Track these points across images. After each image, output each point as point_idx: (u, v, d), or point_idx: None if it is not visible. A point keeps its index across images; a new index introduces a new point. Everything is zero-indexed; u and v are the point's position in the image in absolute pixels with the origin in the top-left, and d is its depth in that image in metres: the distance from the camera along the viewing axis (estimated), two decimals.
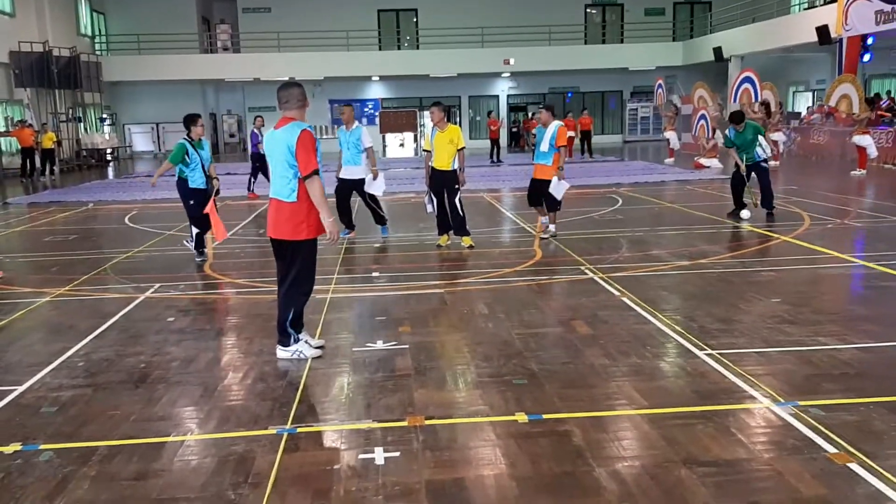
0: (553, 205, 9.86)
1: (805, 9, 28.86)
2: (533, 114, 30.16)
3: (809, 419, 4.03)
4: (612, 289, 7.14)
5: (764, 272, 7.73)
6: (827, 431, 3.87)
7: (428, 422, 4.20)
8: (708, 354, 5.17)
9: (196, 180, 8.97)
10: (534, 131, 9.90)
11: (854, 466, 3.49)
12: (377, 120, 34.02)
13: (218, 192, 9.06)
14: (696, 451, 3.73)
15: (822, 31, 23.53)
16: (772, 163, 19.18)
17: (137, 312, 6.88)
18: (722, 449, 3.74)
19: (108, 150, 31.18)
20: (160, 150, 35.83)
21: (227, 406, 4.57)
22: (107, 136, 31.39)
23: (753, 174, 11.14)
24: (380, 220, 10.48)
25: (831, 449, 3.68)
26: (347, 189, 10.32)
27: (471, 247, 9.45)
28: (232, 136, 38.74)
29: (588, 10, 36.68)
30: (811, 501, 3.22)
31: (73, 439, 4.14)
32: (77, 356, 5.63)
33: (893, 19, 20.30)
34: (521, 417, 4.21)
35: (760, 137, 10.99)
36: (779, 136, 20.59)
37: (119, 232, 12.28)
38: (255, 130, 16.41)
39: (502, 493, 3.41)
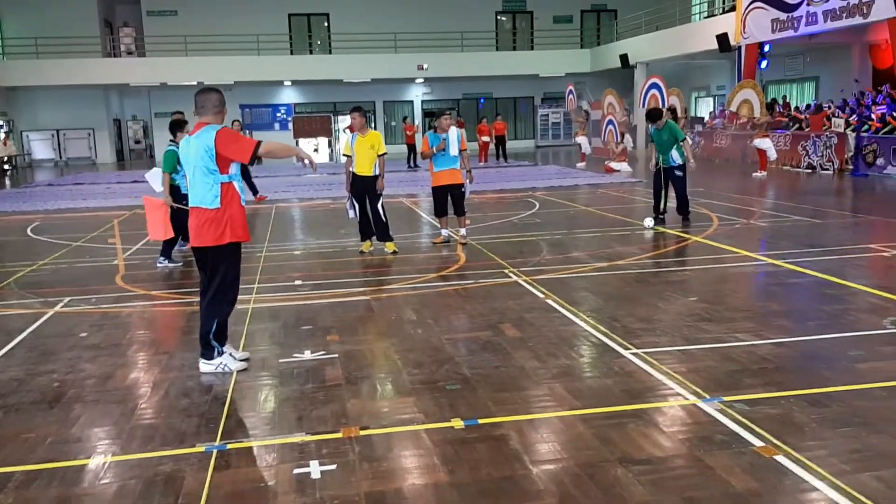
0: (463, 209, 9.88)
1: (705, 17, 30.05)
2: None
3: (735, 414, 4.16)
4: (536, 291, 7.22)
5: (679, 272, 7.97)
6: (752, 425, 4.00)
7: (363, 432, 4.13)
8: (633, 353, 5.29)
9: (183, 186, 8.66)
10: (426, 137, 9.70)
11: (780, 458, 3.62)
12: (290, 125, 33.62)
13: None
14: (629, 449, 3.80)
15: (722, 39, 24.54)
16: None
17: (47, 328, 6.56)
18: (654, 446, 3.82)
19: (4, 159, 29.67)
20: (61, 157, 34.37)
21: (149, 424, 4.39)
22: (2, 145, 29.86)
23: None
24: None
25: (758, 442, 3.80)
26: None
27: (394, 252, 9.41)
28: (137, 142, 37.47)
29: (498, 17, 37.17)
30: (743, 495, 3.32)
31: None
32: None
33: (788, 27, 21.34)
34: (457, 423, 4.19)
35: (680, 143, 10.89)
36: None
37: (22, 244, 11.68)
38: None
39: (443, 501, 3.39)
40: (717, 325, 5.92)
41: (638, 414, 4.24)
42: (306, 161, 5.32)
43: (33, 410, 4.66)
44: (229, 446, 4.03)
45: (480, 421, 4.22)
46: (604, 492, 3.39)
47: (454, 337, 5.87)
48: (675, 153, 10.96)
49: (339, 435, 4.11)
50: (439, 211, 10.00)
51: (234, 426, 4.32)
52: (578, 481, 3.49)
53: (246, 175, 15.75)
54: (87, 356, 5.73)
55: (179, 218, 8.47)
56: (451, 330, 6.07)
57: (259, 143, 5.11)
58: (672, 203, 11.33)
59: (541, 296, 7.05)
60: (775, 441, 3.80)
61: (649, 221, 10.96)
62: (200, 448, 4.02)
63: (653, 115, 11.21)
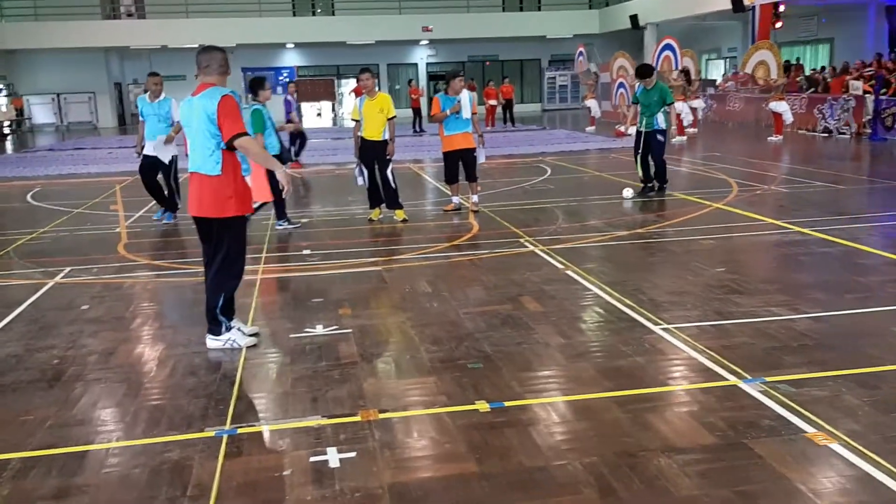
0: (475, 174, 9.56)
1: None
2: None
3: (780, 396, 3.89)
4: (554, 262, 6.93)
5: (702, 241, 7.65)
6: (800, 409, 3.73)
7: (382, 415, 3.87)
8: (663, 329, 5.01)
9: (273, 146, 8.56)
10: (437, 98, 9.38)
11: (836, 447, 3.35)
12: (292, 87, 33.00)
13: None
14: (671, 436, 3.53)
15: None
16: (689, 129, 19.54)
17: (47, 300, 6.29)
18: (697, 433, 3.55)
19: (6, 123, 29.27)
20: (62, 121, 33.93)
21: (154, 406, 4.13)
22: (3, 109, 29.44)
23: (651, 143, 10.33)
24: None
25: (809, 428, 3.53)
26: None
27: (404, 220, 9.10)
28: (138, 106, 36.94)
29: None
30: (800, 489, 3.05)
31: None
32: None
33: None
34: (482, 406, 3.93)
35: (667, 106, 10.25)
36: (698, 104, 20.86)
37: (22, 210, 11.40)
38: (290, 97, 15.54)
39: (473, 493, 3.13)
40: (749, 297, 5.62)
41: (676, 396, 3.97)
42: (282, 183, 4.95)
43: (32, 390, 4.41)
44: (240, 430, 3.77)
45: (507, 404, 3.95)
46: (647, 484, 3.13)
47: (472, 311, 5.58)
48: (660, 116, 10.21)
49: (358, 418, 3.85)
50: (450, 177, 9.66)
51: (244, 408, 4.06)
52: (619, 473, 3.23)
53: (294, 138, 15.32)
54: (88, 330, 5.47)
55: (274, 179, 8.41)
56: (469, 303, 5.78)
57: (243, 134, 4.74)
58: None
59: (560, 266, 6.75)
60: (828, 427, 3.53)
61: (629, 192, 10.19)
62: (210, 433, 3.76)
63: (643, 71, 10.46)
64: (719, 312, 5.32)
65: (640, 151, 10.44)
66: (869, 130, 17.35)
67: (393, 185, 9.09)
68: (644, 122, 10.33)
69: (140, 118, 9.53)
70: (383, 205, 9.25)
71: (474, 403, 3.96)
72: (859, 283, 5.90)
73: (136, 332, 5.46)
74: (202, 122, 4.79)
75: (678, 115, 18.94)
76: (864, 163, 13.88)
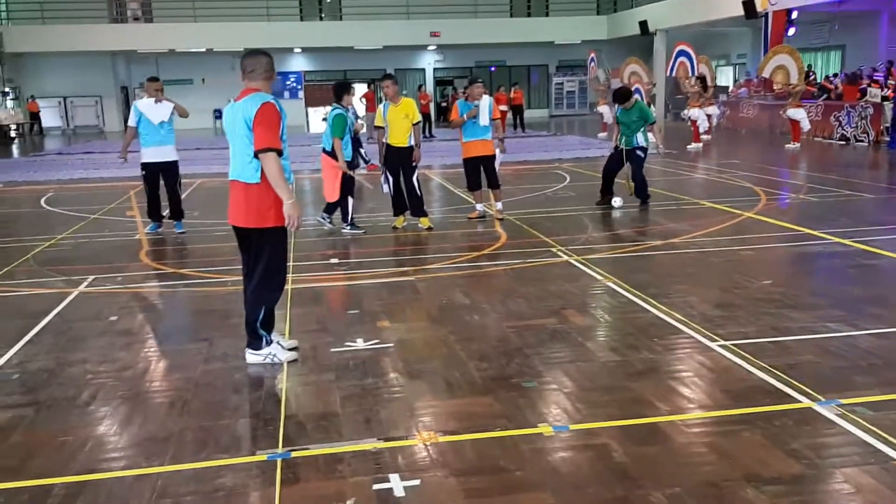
0: (497, 181, 9.38)
1: None
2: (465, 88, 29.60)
3: (860, 420, 3.69)
4: (592, 272, 6.74)
5: (741, 251, 7.46)
6: (885, 434, 3.53)
7: (442, 439, 3.67)
8: (721, 346, 4.81)
9: (348, 152, 8.69)
10: (456, 105, 9.25)
11: None
12: (300, 94, 32.99)
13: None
14: (753, 464, 3.33)
15: (749, 5, 23.71)
16: (704, 136, 19.36)
17: (73, 311, 6.10)
18: (781, 461, 3.35)
19: (13, 127, 29.12)
20: (69, 125, 33.80)
21: (200, 426, 3.93)
22: (11, 112, 29.29)
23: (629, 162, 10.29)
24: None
25: None
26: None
27: (429, 228, 8.92)
28: None
29: None
30: None
31: (20, 476, 3.45)
32: (9, 367, 4.88)
33: None
34: (546, 430, 3.74)
35: (648, 126, 10.21)
36: (712, 110, 20.64)
37: (37, 216, 11.21)
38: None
39: None
40: (804, 312, 5.43)
41: (749, 420, 3.77)
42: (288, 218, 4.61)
43: (67, 408, 4.22)
44: (294, 454, 3.58)
45: (571, 427, 3.76)
46: None
47: (516, 324, 5.39)
48: (639, 136, 10.20)
49: (416, 442, 3.66)
50: (472, 184, 9.47)
51: (295, 429, 3.86)
52: None
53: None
54: (119, 343, 5.29)
55: (347, 184, 8.67)
56: (511, 316, 5.59)
57: (272, 149, 4.46)
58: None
59: (599, 278, 6.57)
60: None
61: (618, 201, 10.14)
62: (262, 456, 3.57)
63: (621, 94, 10.42)
64: (775, 328, 5.13)
65: (615, 168, 10.34)
66: (887, 138, 17.17)
67: (419, 192, 8.92)
68: (623, 140, 10.30)
69: (133, 125, 8.94)
70: (407, 212, 9.07)
71: (537, 426, 3.77)
72: None
73: (169, 345, 5.27)
74: (241, 127, 4.61)
75: (694, 122, 18.81)
76: (888, 171, 13.69)
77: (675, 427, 3.73)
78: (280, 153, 4.56)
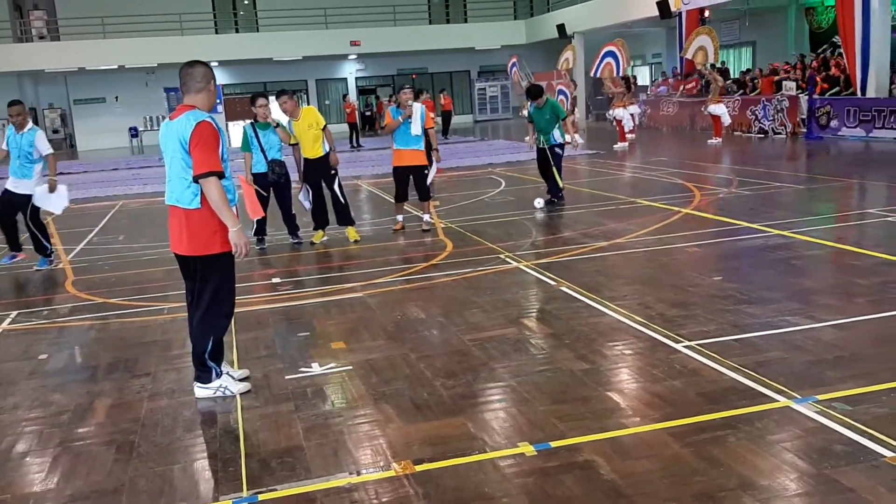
0: (427, 193, 9.21)
1: None
2: (390, 96, 29.40)
3: (839, 416, 3.65)
4: (544, 278, 6.63)
5: (687, 248, 7.48)
6: (867, 429, 3.49)
7: (419, 468, 3.46)
8: (686, 346, 4.74)
9: (256, 164, 8.39)
10: (388, 111, 9.07)
11: None
12: (220, 108, 32.12)
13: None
14: (744, 470, 3.23)
15: (663, 5, 24.23)
16: (629, 135, 19.59)
17: None
18: (771, 465, 3.26)
19: None
20: None
21: (153, 472, 3.62)
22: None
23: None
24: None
25: (886, 452, 3.29)
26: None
27: (356, 241, 8.67)
28: (56, 131, 35.21)
29: None
30: None
31: None
32: None
33: None
34: (527, 449, 3.56)
35: (561, 121, 10.35)
36: (634, 109, 20.94)
37: None
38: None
39: None
40: (761, 307, 5.42)
41: (731, 423, 3.68)
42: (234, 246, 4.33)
43: (2, 462, 3.84)
44: (261, 497, 3.31)
45: (553, 444, 3.60)
46: None
47: (477, 337, 5.22)
48: (556, 132, 10.33)
49: (391, 473, 3.43)
50: (398, 195, 9.22)
51: (258, 468, 3.58)
52: None
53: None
54: (52, 384, 4.89)
55: (261, 198, 8.22)
56: (470, 328, 5.42)
57: (217, 174, 4.19)
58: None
59: (552, 283, 6.46)
60: None
61: (539, 202, 10.29)
62: (226, 502, 3.29)
63: (533, 92, 10.44)
64: (736, 325, 5.10)
65: (548, 166, 10.43)
66: (804, 129, 17.74)
67: (342, 199, 8.67)
68: (542, 139, 10.36)
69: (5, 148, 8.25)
70: (326, 227, 8.84)
71: (517, 446, 3.60)
72: (863, 287, 5.78)
73: (108, 382, 4.88)
74: (176, 149, 4.30)
75: (619, 122, 19.02)
76: (812, 161, 14.10)
77: (659, 437, 3.61)
78: (221, 175, 4.27)
